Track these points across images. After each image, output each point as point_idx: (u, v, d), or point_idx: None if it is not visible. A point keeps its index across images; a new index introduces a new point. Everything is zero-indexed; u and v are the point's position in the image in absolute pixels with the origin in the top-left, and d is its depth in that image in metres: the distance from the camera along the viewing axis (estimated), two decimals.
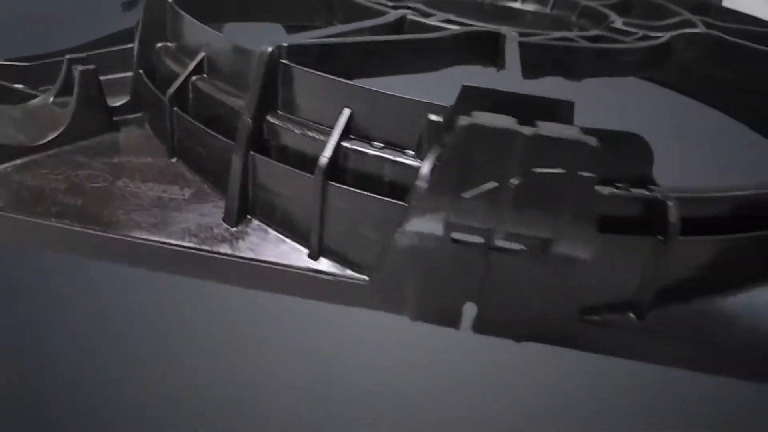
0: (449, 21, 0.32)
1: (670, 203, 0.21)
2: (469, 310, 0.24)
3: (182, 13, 0.28)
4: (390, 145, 0.23)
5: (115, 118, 0.31)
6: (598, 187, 0.22)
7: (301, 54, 0.24)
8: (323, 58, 0.24)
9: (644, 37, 0.35)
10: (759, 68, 0.34)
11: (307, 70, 0.23)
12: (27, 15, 0.57)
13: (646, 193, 0.22)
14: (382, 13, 0.33)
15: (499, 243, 0.20)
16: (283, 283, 0.25)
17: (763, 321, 0.23)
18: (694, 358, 0.23)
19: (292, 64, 0.23)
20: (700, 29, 0.35)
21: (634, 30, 0.35)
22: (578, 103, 0.20)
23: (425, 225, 0.18)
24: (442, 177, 0.17)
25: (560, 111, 0.20)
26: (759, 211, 0.23)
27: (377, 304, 0.24)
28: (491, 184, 0.17)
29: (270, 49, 0.23)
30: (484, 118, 0.16)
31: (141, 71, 0.31)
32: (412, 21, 0.30)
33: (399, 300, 0.24)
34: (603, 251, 0.22)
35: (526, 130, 0.16)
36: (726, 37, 0.34)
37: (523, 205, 0.17)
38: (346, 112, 0.22)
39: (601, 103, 0.35)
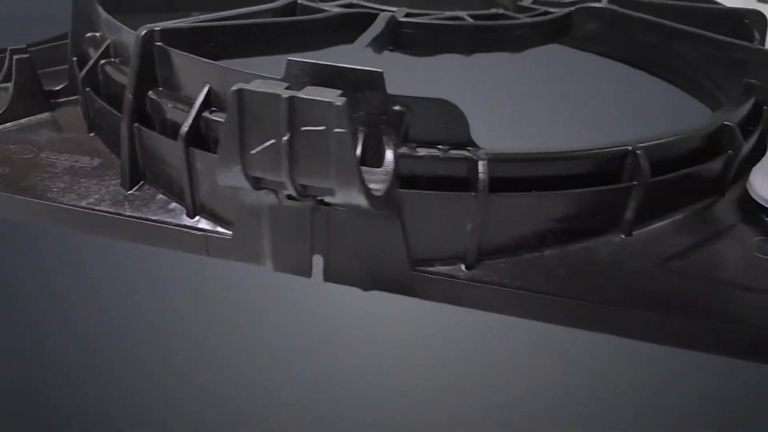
0: (350, 5, 0.35)
1: (480, 162, 0.24)
2: (318, 262, 0.27)
3: (97, 6, 0.32)
4: None
5: (55, 100, 0.36)
6: (421, 150, 0.25)
7: (174, 36, 0.27)
8: (197, 40, 0.28)
9: (545, 13, 0.37)
10: (653, 37, 0.35)
11: (176, 51, 0.26)
12: (27, 15, 0.61)
13: (460, 153, 0.24)
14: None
15: (322, 198, 0.23)
16: (167, 239, 0.28)
17: (581, 273, 0.25)
18: (518, 306, 0.25)
19: (164, 46, 0.27)
20: (601, 3, 0.36)
21: (537, 7, 0.37)
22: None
23: (233, 179, 0.21)
24: (230, 135, 0.20)
25: (372, 80, 0.23)
26: (573, 170, 0.25)
27: (242, 257, 0.27)
28: (270, 141, 0.19)
29: (143, 33, 0.26)
30: (255, 84, 0.19)
31: (74, 59, 0.35)
32: (303, 5, 0.33)
33: (259, 253, 0.27)
34: (426, 207, 0.25)
35: (285, 93, 0.19)
36: (622, 10, 0.35)
37: (298, 160, 0.20)
38: (206, 88, 0.26)
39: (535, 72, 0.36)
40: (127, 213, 0.28)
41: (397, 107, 0.24)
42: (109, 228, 0.28)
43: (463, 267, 0.26)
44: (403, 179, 0.25)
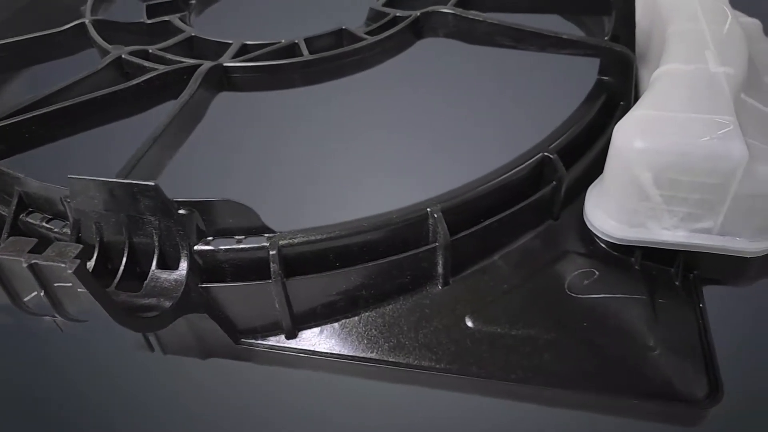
0: (189, 39, 0.35)
1: (272, 252, 0.25)
2: (154, 339, 0.29)
3: None
4: (58, 216, 0.27)
5: None
6: (220, 242, 0.26)
7: None
8: (12, 137, 0.29)
9: (393, 20, 0.35)
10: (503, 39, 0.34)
11: None
12: None
13: (253, 244, 0.25)
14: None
15: None
16: None
17: (392, 333, 0.27)
18: (332, 367, 0.27)
19: None
20: (446, 7, 0.35)
21: (389, 10, 0.36)
22: None
23: (17, 313, 0.23)
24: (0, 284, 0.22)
25: (149, 191, 0.24)
26: (375, 238, 0.26)
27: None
28: (33, 293, 0.21)
29: None
30: (4, 248, 0.21)
31: None
32: (127, 61, 0.32)
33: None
34: (232, 296, 0.27)
35: (26, 260, 0.20)
36: (466, 14, 0.34)
37: (61, 303, 0.22)
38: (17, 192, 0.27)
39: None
40: None
41: (182, 211, 0.25)
42: None
43: (283, 336, 0.28)
44: (210, 271, 0.26)
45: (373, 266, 0.26)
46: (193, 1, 0.42)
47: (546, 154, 0.29)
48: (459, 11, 0.34)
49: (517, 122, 0.32)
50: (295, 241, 0.26)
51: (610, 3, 0.35)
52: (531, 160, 0.28)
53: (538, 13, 0.36)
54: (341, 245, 0.26)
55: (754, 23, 0.40)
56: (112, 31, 0.37)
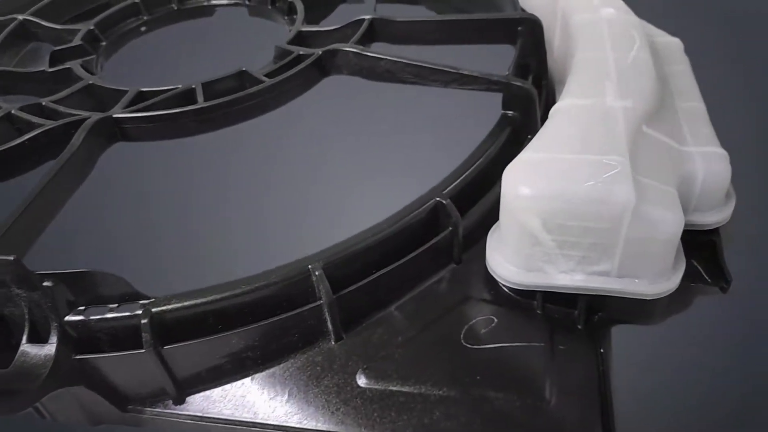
0: (87, 87, 0.34)
1: (143, 321, 0.24)
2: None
3: None
4: None
5: None
6: (91, 311, 0.25)
7: None
8: None
9: (297, 58, 0.35)
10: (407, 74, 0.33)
11: None
12: None
13: (125, 313, 0.25)
14: None
15: None
16: None
17: (282, 395, 0.26)
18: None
19: None
20: (347, 45, 0.34)
21: (293, 49, 0.35)
22: None
23: None
24: None
25: (7, 265, 0.23)
26: (255, 299, 0.25)
27: None
28: None
29: None
30: None
31: None
32: (14, 116, 0.32)
33: None
34: (108, 366, 0.26)
35: None
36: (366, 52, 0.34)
37: None
38: None
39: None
40: None
41: (47, 283, 0.24)
42: None
43: (171, 402, 0.27)
44: (85, 341, 0.26)
45: (255, 328, 0.26)
46: (104, 43, 0.42)
47: (439, 199, 0.28)
48: (359, 49, 0.33)
49: (420, 161, 0.31)
50: (169, 307, 0.25)
51: (515, 33, 0.34)
52: (420, 209, 0.27)
53: (446, 44, 0.36)
54: (220, 308, 0.25)
55: (674, 43, 0.39)
56: (12, 81, 0.36)
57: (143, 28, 0.43)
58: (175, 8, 0.47)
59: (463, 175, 0.29)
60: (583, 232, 0.26)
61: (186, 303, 0.25)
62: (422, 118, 0.33)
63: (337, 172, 0.30)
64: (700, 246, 0.31)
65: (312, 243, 0.27)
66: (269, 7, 0.45)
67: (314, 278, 0.26)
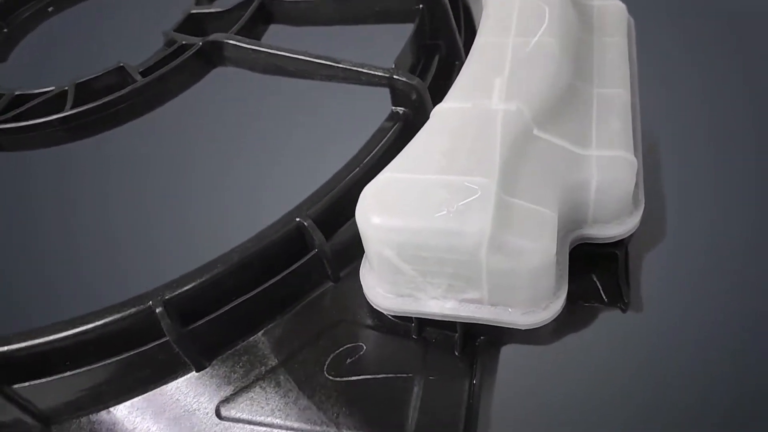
0: None
1: None
2: None
3: None
4: None
5: None
6: None
7: None
8: None
9: (180, 48, 0.32)
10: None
11: None
12: None
13: None
14: None
15: None
16: None
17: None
18: None
19: None
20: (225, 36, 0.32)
21: (186, 37, 0.33)
22: None
23: None
24: None
25: None
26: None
27: None
28: None
29: None
30: None
31: None
32: None
33: None
34: None
35: None
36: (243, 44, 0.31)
37: None
38: None
39: None
40: None
41: None
42: None
43: None
44: None
45: (102, 366, 0.25)
46: (6, 30, 0.40)
47: (299, 220, 0.26)
48: (237, 40, 0.31)
49: (299, 168, 0.29)
50: (14, 347, 0.24)
51: (416, 12, 0.31)
52: (276, 235, 0.25)
53: (345, 24, 0.33)
54: (61, 347, 0.25)
55: (614, 8, 0.34)
56: None
57: (50, 9, 0.41)
58: None
59: (333, 191, 0.27)
60: (441, 263, 0.24)
61: (28, 343, 0.25)
62: (311, 116, 0.31)
63: (202, 184, 0.29)
64: (602, 260, 0.28)
65: (169, 268, 0.26)
66: None
67: (159, 312, 0.25)
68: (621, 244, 0.28)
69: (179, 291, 0.25)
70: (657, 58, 0.37)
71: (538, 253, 0.23)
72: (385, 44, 0.32)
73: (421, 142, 0.26)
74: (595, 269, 0.28)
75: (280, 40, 0.34)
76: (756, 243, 0.29)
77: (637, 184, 0.28)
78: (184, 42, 0.33)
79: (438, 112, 0.27)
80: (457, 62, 0.33)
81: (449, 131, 0.26)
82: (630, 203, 0.27)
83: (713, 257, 0.29)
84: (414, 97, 0.28)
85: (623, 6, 0.35)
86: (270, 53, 0.30)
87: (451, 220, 0.23)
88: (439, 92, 0.32)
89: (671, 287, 0.28)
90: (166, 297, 0.25)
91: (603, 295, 0.27)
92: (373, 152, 0.28)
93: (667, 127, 0.34)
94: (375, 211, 0.24)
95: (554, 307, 0.25)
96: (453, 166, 0.24)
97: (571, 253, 0.28)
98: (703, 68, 0.37)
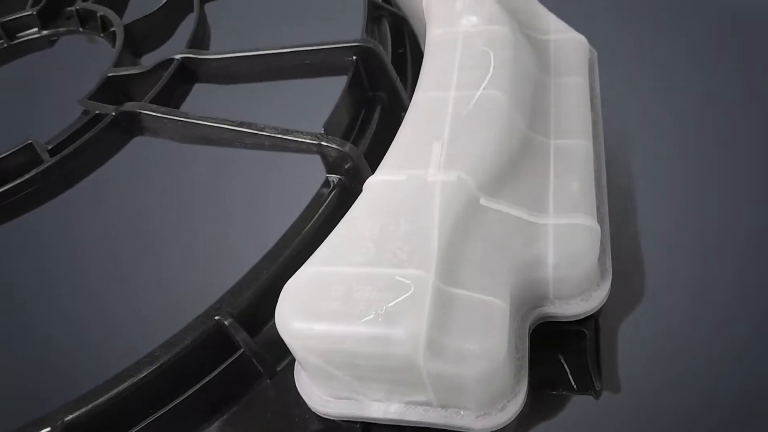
0: None
1: None
2: None
3: None
4: None
5: None
6: None
7: None
8: None
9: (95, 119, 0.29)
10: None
11: None
12: None
13: None
14: None
15: None
16: None
17: None
18: None
19: None
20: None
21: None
22: None
23: None
24: None
25: None
26: None
27: None
28: None
29: None
30: None
31: None
32: None
33: None
34: None
35: None
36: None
37: None
38: None
39: None
40: None
41: None
42: None
43: None
44: None
45: None
46: None
47: (219, 318, 0.23)
48: (152, 109, 0.28)
49: (225, 249, 0.26)
50: None
51: (350, 65, 0.28)
52: (192, 339, 0.22)
53: (276, 80, 0.30)
54: None
55: (575, 43, 0.31)
56: None
57: None
58: (6, 45, 0.42)
59: (258, 282, 0.23)
60: (376, 369, 0.21)
61: None
62: (238, 187, 0.28)
63: (113, 273, 0.26)
64: (568, 339, 0.25)
65: (74, 383, 0.23)
66: (101, 36, 0.40)
67: None
68: (589, 318, 0.25)
69: (80, 412, 0.22)
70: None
71: (485, 355, 0.20)
72: (321, 100, 0.29)
73: (349, 225, 0.23)
74: (561, 350, 0.25)
75: (205, 101, 0.32)
76: (746, 304, 0.26)
77: (603, 251, 0.25)
78: (98, 111, 0.30)
79: (369, 186, 0.24)
80: (402, 113, 0.30)
81: (380, 211, 0.22)
82: (595, 275, 0.24)
83: (697, 323, 0.26)
84: (348, 165, 0.25)
85: (583, 39, 0.31)
86: (187, 122, 0.27)
87: (379, 324, 0.20)
88: (384, 148, 0.29)
89: (649, 364, 0.24)
90: (67, 420, 0.22)
91: (572, 380, 0.24)
92: (304, 231, 0.25)
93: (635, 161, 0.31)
94: (295, 315, 0.21)
95: (512, 407, 0.22)
96: (383, 256, 0.21)
97: (533, 334, 0.25)
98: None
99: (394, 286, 0.20)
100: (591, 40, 0.32)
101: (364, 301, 0.20)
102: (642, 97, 0.34)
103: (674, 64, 0.36)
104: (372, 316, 0.20)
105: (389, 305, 0.20)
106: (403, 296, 0.20)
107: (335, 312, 0.20)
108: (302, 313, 0.21)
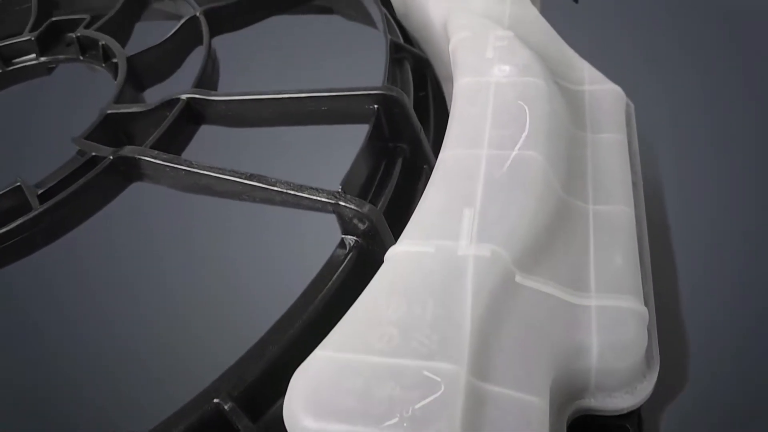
0: None
1: None
2: None
3: None
4: None
5: None
6: None
7: None
8: None
9: (91, 161, 0.27)
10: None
11: None
12: None
13: None
14: None
15: None
16: None
17: None
18: None
19: None
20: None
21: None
22: None
23: None
24: None
25: None
26: None
27: None
28: None
29: None
30: None
31: None
32: None
33: None
34: None
35: None
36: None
37: None
38: None
39: None
40: None
41: None
42: None
43: None
44: None
45: None
46: None
47: (218, 401, 0.21)
48: (153, 155, 0.25)
49: (228, 317, 0.24)
50: None
51: (371, 113, 0.26)
52: (187, 424, 0.20)
53: (288, 125, 0.27)
54: None
55: (610, 95, 0.29)
56: None
57: None
58: (1, 71, 0.39)
59: (261, 361, 0.21)
60: None
61: None
62: (244, 245, 0.25)
63: (105, 342, 0.23)
64: None
65: None
66: (101, 66, 0.38)
67: None
68: (633, 412, 0.23)
69: None
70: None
71: None
72: (338, 149, 0.27)
73: (368, 304, 0.20)
74: None
75: (211, 145, 0.29)
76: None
77: (650, 336, 0.23)
78: (94, 154, 0.28)
79: (392, 257, 0.21)
80: (425, 166, 0.28)
81: (405, 290, 0.20)
82: (642, 365, 0.22)
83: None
84: (365, 226, 0.23)
85: (620, 90, 0.29)
86: (190, 172, 0.25)
87: (405, 430, 0.17)
88: (407, 202, 0.27)
89: None
90: None
91: None
92: (316, 301, 0.22)
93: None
94: (306, 412, 0.18)
95: None
96: (408, 345, 0.19)
97: (569, 428, 0.22)
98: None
99: (422, 383, 0.18)
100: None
101: (386, 400, 0.18)
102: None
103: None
104: (396, 420, 0.17)
105: (416, 407, 0.17)
106: (433, 396, 0.17)
107: (352, 412, 0.18)
108: (315, 410, 0.18)
